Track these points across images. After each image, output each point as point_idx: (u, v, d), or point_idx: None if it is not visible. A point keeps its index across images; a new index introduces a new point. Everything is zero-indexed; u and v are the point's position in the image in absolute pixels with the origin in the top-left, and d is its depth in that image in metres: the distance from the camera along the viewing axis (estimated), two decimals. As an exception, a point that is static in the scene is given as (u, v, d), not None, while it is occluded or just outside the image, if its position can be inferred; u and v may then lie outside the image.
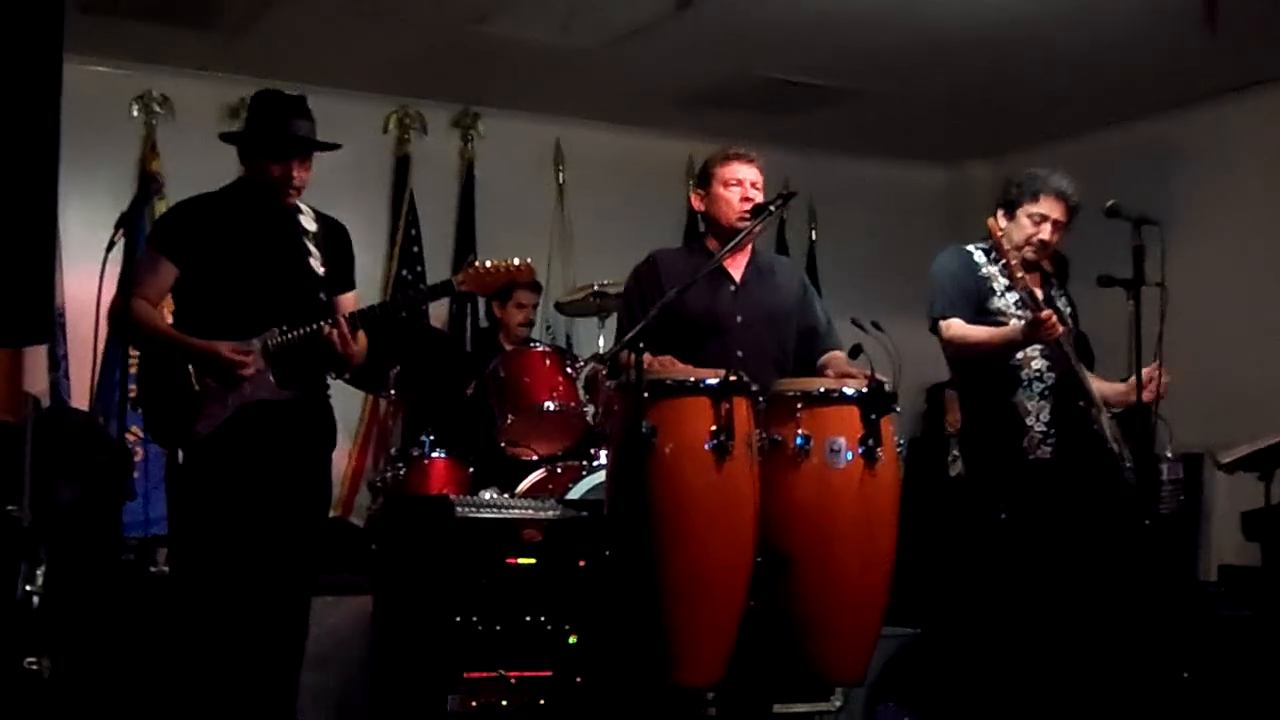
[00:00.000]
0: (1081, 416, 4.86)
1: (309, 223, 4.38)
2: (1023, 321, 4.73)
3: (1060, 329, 4.69)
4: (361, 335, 4.30)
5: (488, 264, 4.42)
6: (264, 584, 4.17)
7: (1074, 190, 4.92)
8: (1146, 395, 4.70)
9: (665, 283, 4.54)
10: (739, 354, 4.49)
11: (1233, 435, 6.06)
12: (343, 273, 4.46)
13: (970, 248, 5.05)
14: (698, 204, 4.78)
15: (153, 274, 4.24)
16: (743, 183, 4.66)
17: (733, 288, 4.69)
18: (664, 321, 4.44)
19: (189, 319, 4.24)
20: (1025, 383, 4.88)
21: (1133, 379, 4.70)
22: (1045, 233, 4.91)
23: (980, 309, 4.93)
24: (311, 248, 4.34)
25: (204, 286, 4.24)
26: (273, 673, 4.21)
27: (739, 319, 4.64)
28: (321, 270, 4.34)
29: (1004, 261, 4.72)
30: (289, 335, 4.19)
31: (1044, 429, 4.86)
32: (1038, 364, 4.89)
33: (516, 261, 4.44)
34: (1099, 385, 4.98)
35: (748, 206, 4.62)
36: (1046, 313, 4.63)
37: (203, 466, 4.14)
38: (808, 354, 4.76)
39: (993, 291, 4.94)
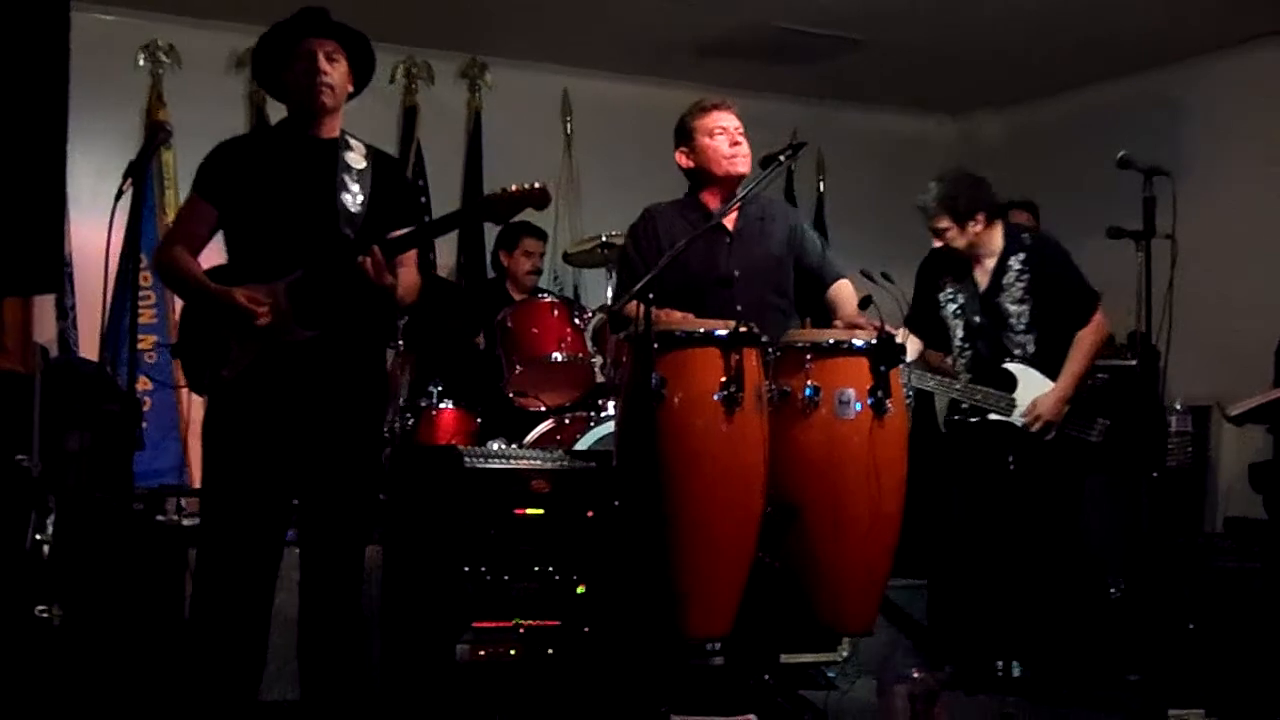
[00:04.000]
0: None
1: (356, 159, 4.10)
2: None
3: None
4: (411, 270, 4.09)
5: (502, 190, 4.09)
6: (305, 529, 4.03)
7: (932, 197, 5.16)
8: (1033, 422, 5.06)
9: (664, 237, 4.54)
10: (738, 309, 4.45)
11: (1241, 388, 6.05)
12: (392, 210, 4.14)
13: (940, 243, 5.24)
14: (685, 161, 4.76)
15: (192, 218, 4.08)
16: (727, 130, 4.66)
17: (728, 240, 4.67)
18: (665, 278, 4.43)
19: (235, 263, 4.07)
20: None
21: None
22: (951, 241, 5.16)
23: (936, 318, 5.32)
24: (350, 182, 4.06)
25: (241, 228, 4.06)
26: (326, 633, 4.00)
27: (736, 273, 4.63)
28: (358, 206, 4.05)
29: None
30: (305, 273, 3.97)
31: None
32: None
33: (537, 184, 4.07)
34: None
35: (738, 151, 4.61)
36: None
37: (228, 411, 3.97)
38: (811, 293, 4.74)
39: (939, 303, 5.30)
